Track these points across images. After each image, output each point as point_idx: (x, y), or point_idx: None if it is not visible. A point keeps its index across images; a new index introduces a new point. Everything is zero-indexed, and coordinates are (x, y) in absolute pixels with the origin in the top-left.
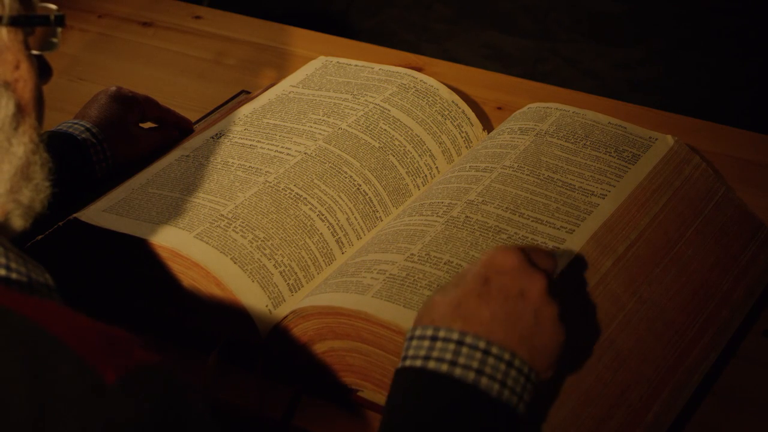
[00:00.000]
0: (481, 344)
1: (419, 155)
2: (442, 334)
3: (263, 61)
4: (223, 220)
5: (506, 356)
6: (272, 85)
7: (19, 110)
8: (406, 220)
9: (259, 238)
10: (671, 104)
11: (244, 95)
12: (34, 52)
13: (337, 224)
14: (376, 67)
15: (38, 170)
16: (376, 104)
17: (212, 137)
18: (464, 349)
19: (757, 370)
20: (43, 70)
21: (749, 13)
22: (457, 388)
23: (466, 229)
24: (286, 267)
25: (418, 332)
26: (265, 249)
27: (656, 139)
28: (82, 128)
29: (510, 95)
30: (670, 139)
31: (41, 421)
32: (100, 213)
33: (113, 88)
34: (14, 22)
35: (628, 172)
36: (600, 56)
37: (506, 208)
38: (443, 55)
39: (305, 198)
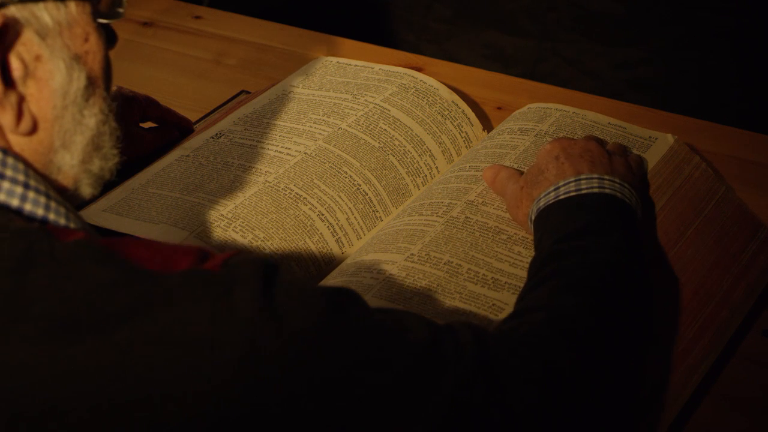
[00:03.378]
0: (594, 175)
1: (419, 155)
2: (561, 183)
3: (263, 61)
4: (223, 220)
5: (616, 178)
6: (272, 85)
7: (90, 82)
8: (406, 220)
9: (259, 238)
10: (671, 104)
11: (244, 95)
12: (101, 21)
13: (337, 224)
14: (376, 67)
15: (107, 139)
16: (376, 104)
17: (212, 137)
18: (583, 182)
19: (757, 370)
20: (109, 39)
21: (749, 13)
22: (590, 196)
23: (466, 230)
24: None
25: (542, 195)
26: (265, 249)
27: (656, 139)
28: None
29: (510, 95)
30: (670, 138)
31: (173, 327)
32: (100, 213)
33: (113, 88)
34: None
35: None
36: (600, 56)
37: (506, 208)
38: (443, 55)
39: (305, 198)
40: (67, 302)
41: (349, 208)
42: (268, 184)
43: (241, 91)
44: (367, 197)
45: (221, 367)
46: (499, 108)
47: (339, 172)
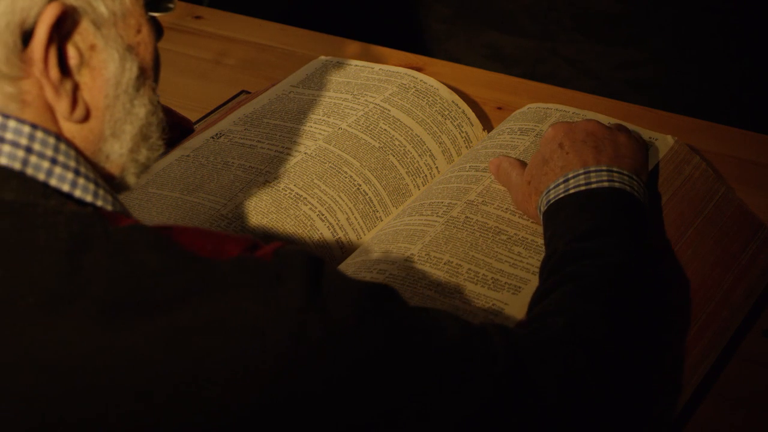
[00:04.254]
0: (603, 167)
1: (419, 155)
2: (570, 175)
3: (263, 61)
4: (224, 221)
5: (625, 171)
6: (272, 85)
7: (141, 73)
8: (406, 220)
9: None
10: (671, 104)
11: (244, 95)
12: (152, 14)
13: (337, 224)
14: (376, 67)
15: (155, 130)
16: (376, 104)
17: (212, 137)
18: (592, 175)
19: (757, 370)
20: (158, 32)
21: (749, 12)
22: (601, 191)
23: (466, 230)
24: None
25: (551, 186)
26: None
27: (656, 140)
28: None
29: (510, 95)
30: (670, 139)
31: (228, 310)
32: None
33: None
34: None
35: None
36: (600, 56)
37: (506, 208)
38: (443, 55)
39: (305, 198)
40: (122, 285)
41: (349, 208)
42: (268, 184)
43: (241, 91)
44: (367, 197)
45: (269, 353)
46: (499, 108)
47: (339, 172)
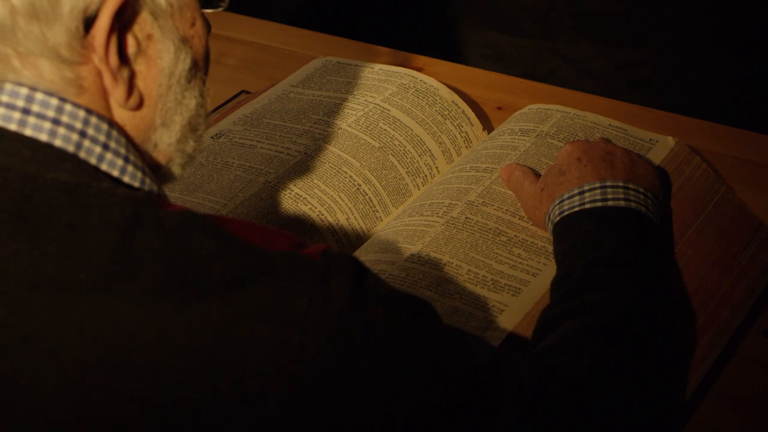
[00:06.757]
0: (619, 183)
1: (419, 155)
2: (586, 187)
3: (263, 61)
4: None
5: (640, 187)
6: (272, 85)
7: (194, 65)
8: (406, 221)
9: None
10: (671, 104)
11: (244, 95)
12: (203, 10)
13: (337, 224)
14: (376, 67)
15: (203, 122)
16: (376, 104)
17: (212, 137)
18: (609, 191)
19: (757, 370)
20: (208, 27)
21: (749, 12)
22: (617, 211)
23: (466, 230)
24: None
25: (565, 196)
26: None
27: (657, 141)
28: None
29: (510, 95)
30: (670, 141)
31: (263, 298)
32: None
33: None
34: None
35: None
36: (600, 56)
37: (506, 210)
38: (443, 55)
39: (305, 198)
40: (173, 267)
41: (349, 208)
42: (268, 184)
43: (241, 91)
44: (367, 197)
45: (308, 349)
46: (499, 108)
47: (339, 172)
